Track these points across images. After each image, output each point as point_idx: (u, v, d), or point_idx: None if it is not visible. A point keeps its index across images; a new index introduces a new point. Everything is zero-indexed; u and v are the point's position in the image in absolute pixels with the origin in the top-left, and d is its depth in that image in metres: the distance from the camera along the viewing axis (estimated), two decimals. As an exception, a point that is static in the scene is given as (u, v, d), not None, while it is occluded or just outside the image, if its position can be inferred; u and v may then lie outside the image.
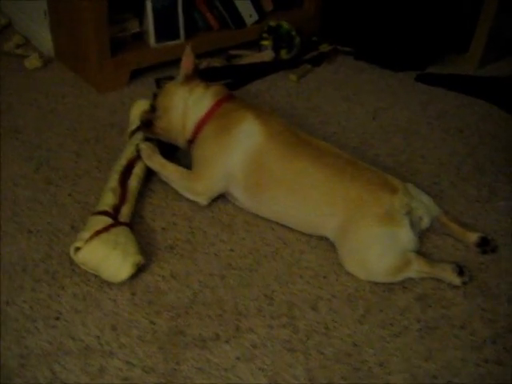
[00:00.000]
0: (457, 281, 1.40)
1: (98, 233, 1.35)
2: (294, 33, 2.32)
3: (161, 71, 2.22)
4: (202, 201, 1.59)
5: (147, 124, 1.64)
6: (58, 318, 1.28)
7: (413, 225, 1.40)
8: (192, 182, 1.59)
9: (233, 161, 1.52)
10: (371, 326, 1.32)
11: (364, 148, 1.92)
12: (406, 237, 1.37)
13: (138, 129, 1.72)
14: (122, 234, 1.39)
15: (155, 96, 1.68)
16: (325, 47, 2.38)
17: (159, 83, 2.14)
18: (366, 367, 1.23)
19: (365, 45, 2.45)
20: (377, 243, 1.37)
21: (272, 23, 2.35)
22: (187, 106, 1.59)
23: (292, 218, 1.51)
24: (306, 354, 1.24)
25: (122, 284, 1.35)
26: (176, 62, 2.20)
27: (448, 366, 1.24)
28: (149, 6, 2.06)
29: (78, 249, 1.35)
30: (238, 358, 1.22)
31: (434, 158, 1.90)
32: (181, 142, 1.64)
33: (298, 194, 1.46)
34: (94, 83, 2.11)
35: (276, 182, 1.48)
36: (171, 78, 2.16)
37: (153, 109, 1.66)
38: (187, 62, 1.61)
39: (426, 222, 1.46)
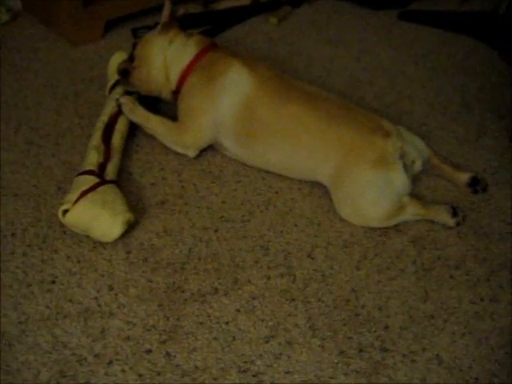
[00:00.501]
0: (451, 222, 1.41)
1: (84, 193, 1.32)
2: (272, -27, 2.24)
3: (137, 21, 2.13)
4: (191, 153, 1.56)
5: (124, 73, 1.58)
6: (53, 282, 1.26)
7: (406, 168, 1.39)
8: (179, 134, 1.55)
9: (222, 110, 1.48)
10: (368, 270, 1.33)
11: (350, 91, 1.89)
12: (400, 181, 1.37)
13: (117, 83, 1.66)
14: (109, 193, 1.36)
15: (134, 46, 1.62)
16: (305, -13, 2.31)
17: (136, 33, 2.06)
18: (365, 312, 1.24)
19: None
20: (371, 188, 1.37)
21: (249, -36, 2.26)
22: (168, 56, 1.53)
23: (285, 165, 1.49)
24: (305, 303, 1.25)
25: (116, 243, 1.34)
26: (152, 10, 2.14)
27: (444, 305, 1.27)
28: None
29: (65, 211, 1.32)
30: (237, 311, 1.23)
31: (421, 98, 1.88)
32: (165, 93, 1.59)
33: (290, 141, 1.44)
34: (67, 36, 2.02)
35: (267, 129, 1.45)
36: (149, 28, 2.08)
37: (131, 59, 1.60)
38: (166, 12, 1.54)
39: (418, 165, 1.45)
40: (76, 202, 1.31)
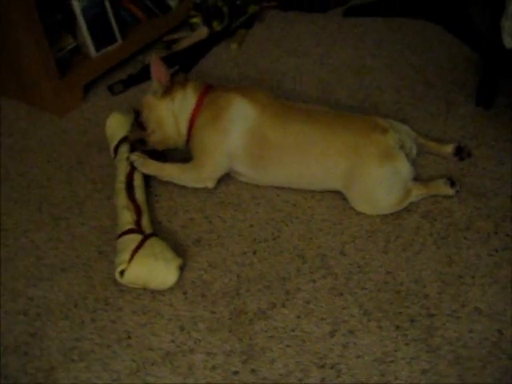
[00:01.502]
0: (451, 192, 1.61)
1: (135, 251, 1.45)
2: (220, 3, 2.38)
3: (109, 77, 2.25)
4: (210, 184, 1.70)
5: (142, 142, 1.71)
6: (129, 337, 1.39)
7: (407, 157, 1.57)
8: (197, 171, 1.69)
9: (232, 141, 1.63)
10: (395, 252, 1.51)
11: (324, 96, 2.06)
12: (404, 169, 1.55)
13: (120, 143, 1.78)
14: (155, 245, 1.49)
15: (138, 114, 1.74)
16: (253, 8, 2.46)
17: (112, 89, 2.18)
18: (404, 288, 1.43)
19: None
20: (382, 181, 1.54)
21: (197, 0, 2.40)
22: (175, 112, 1.67)
23: (299, 179, 1.65)
24: (352, 294, 1.43)
25: (171, 288, 1.47)
26: (120, 65, 2.26)
27: (467, 264, 1.46)
28: (80, 18, 2.06)
29: (122, 271, 1.45)
30: (298, 317, 1.39)
31: (388, 86, 2.07)
32: (180, 144, 1.73)
33: (300, 156, 1.60)
34: (50, 109, 2.11)
35: (278, 150, 1.60)
36: (122, 81, 2.21)
37: (140, 126, 1.72)
38: (159, 72, 1.66)
39: (414, 150, 1.63)
40: (129, 260, 1.44)
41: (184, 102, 1.67)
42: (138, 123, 1.72)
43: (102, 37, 2.16)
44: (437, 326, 1.34)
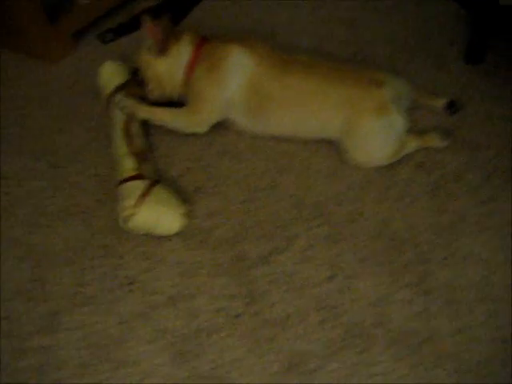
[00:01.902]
0: (443, 144, 1.66)
1: (142, 197, 1.47)
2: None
3: (100, 27, 2.21)
4: (201, 130, 1.71)
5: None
6: (131, 283, 1.43)
7: (402, 109, 1.60)
8: (190, 116, 1.70)
9: (230, 90, 1.63)
10: (389, 202, 1.56)
11: (317, 48, 2.06)
12: (399, 122, 1.58)
13: (116, 91, 1.76)
14: (161, 191, 1.51)
15: (135, 72, 1.74)
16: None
17: (104, 38, 2.15)
18: (398, 236, 1.48)
19: None
20: (378, 134, 1.58)
21: None
22: (172, 68, 1.66)
23: (296, 128, 1.68)
24: (347, 242, 1.48)
25: (172, 235, 1.50)
26: (109, 13, 2.21)
27: (458, 213, 1.52)
28: (70, -38, 2.01)
29: (127, 219, 1.46)
30: (296, 263, 1.44)
31: (380, 39, 2.08)
32: (175, 96, 1.73)
33: (298, 107, 1.62)
34: (41, 56, 2.08)
35: (276, 101, 1.62)
36: (112, 30, 2.18)
37: (137, 82, 1.72)
38: (151, 30, 1.62)
39: (408, 103, 1.67)
40: (137, 206, 1.45)
41: (180, 55, 1.66)
42: (136, 80, 1.72)
43: (91, -17, 2.12)
44: (429, 272, 1.40)
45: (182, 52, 1.66)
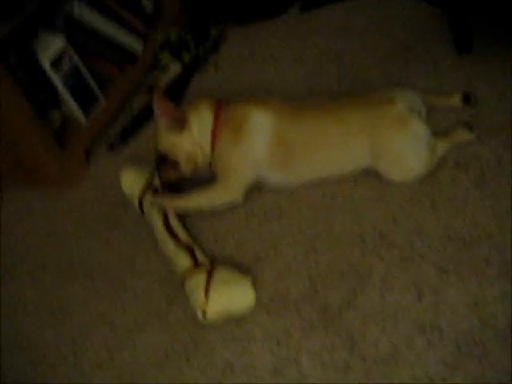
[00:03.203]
0: (471, 136, 1.69)
1: (207, 287, 1.47)
2: (183, 34, 2.44)
3: (104, 137, 2.28)
4: (240, 199, 1.74)
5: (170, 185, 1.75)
6: (231, 368, 1.41)
7: (421, 117, 1.64)
8: (225, 189, 1.73)
9: (257, 152, 1.67)
10: (444, 207, 1.57)
11: (315, 89, 2.12)
12: (422, 130, 1.61)
13: (142, 197, 1.80)
14: (222, 273, 1.52)
15: (159, 158, 1.75)
16: (215, 30, 2.52)
17: (113, 148, 2.21)
18: (466, 235, 1.48)
19: (240, 10, 2.62)
20: (408, 147, 1.61)
21: (160, 38, 2.45)
22: (198, 140, 1.70)
23: (329, 168, 1.71)
24: (421, 257, 1.48)
25: (251, 310, 1.49)
26: (107, 124, 2.28)
27: (503, 195, 1.54)
28: (64, 90, 2.09)
29: (204, 313, 1.46)
30: (382, 294, 1.43)
31: (370, 62, 2.15)
32: (208, 166, 1.76)
33: (324, 147, 1.66)
34: (59, 184, 2.12)
35: (301, 148, 1.66)
36: (118, 137, 2.24)
37: (165, 166, 1.74)
38: (166, 109, 1.64)
39: (423, 111, 1.70)
40: (206, 298, 1.45)
41: (202, 125, 1.69)
42: (162, 165, 1.74)
43: (87, 101, 2.19)
44: (511, 259, 1.40)
45: (204, 121, 1.70)
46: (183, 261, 1.58)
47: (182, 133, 1.69)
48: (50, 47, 2.05)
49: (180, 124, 1.68)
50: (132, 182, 1.87)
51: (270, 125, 1.66)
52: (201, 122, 1.70)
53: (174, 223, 1.72)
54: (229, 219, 1.77)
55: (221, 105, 1.73)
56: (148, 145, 1.82)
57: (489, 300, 1.34)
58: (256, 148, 1.67)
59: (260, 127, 1.67)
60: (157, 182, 1.81)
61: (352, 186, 1.72)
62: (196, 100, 1.76)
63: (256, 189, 1.78)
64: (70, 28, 2.16)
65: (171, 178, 1.75)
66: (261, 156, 1.68)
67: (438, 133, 1.72)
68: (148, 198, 1.78)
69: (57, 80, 2.05)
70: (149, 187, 1.81)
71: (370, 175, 1.71)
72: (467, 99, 1.79)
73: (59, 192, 2.13)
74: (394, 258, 1.50)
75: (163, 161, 1.73)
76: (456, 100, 1.80)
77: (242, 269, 1.59)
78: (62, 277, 1.80)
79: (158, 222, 1.72)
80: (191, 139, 1.70)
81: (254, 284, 1.52)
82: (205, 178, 1.78)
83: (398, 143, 1.61)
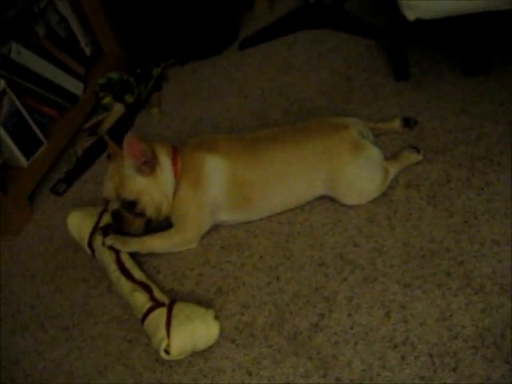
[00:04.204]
0: (419, 158, 1.75)
1: (168, 324, 1.41)
2: (125, 76, 2.42)
3: (48, 180, 2.21)
4: (194, 245, 1.73)
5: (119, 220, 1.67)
6: None
7: (371, 141, 1.69)
8: (181, 235, 1.70)
9: (213, 196, 1.66)
10: (400, 226, 1.60)
11: (262, 122, 2.15)
12: (375, 154, 1.66)
13: (92, 234, 1.74)
14: (182, 308, 1.46)
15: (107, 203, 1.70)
16: (156, 71, 2.52)
17: (56, 190, 2.13)
18: (425, 251, 1.51)
19: (180, 49, 2.63)
20: (361, 172, 1.64)
21: (101, 81, 2.42)
22: (165, 182, 1.66)
23: (287, 200, 1.71)
24: (384, 275, 1.49)
25: (218, 342, 1.45)
26: (51, 166, 2.21)
27: (465, 209, 1.59)
28: (3, 133, 2.01)
29: (167, 351, 1.40)
30: (349, 315, 1.43)
31: (314, 93, 2.21)
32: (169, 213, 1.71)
33: (280, 181, 1.66)
34: (3, 231, 2.03)
35: (259, 186, 1.66)
36: (63, 180, 2.17)
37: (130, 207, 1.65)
38: (136, 149, 1.59)
39: (372, 136, 1.75)
40: (168, 335, 1.39)
41: (166, 170, 1.65)
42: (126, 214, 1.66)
43: (28, 144, 2.12)
44: (471, 269, 1.44)
45: (166, 166, 1.66)
46: (140, 299, 1.52)
47: (151, 176, 1.63)
48: (-13, 90, 1.98)
49: (150, 166, 1.62)
50: (79, 224, 1.80)
51: (226, 166, 1.65)
52: (165, 167, 1.66)
53: (128, 262, 1.65)
54: (186, 255, 1.73)
55: (176, 150, 1.71)
56: (102, 189, 1.75)
57: (455, 311, 1.36)
58: (214, 192, 1.66)
59: (216, 171, 1.65)
60: (106, 221, 1.75)
61: (308, 213, 1.73)
62: (152, 143, 1.69)
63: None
64: (8, 70, 2.10)
65: (137, 230, 1.68)
66: (219, 200, 1.67)
67: (387, 156, 1.77)
68: (98, 239, 1.71)
69: (-4, 123, 1.98)
70: (97, 228, 1.75)
71: (325, 200, 1.73)
72: (407, 123, 1.86)
73: (3, 239, 2.03)
74: (357, 279, 1.51)
75: (130, 209, 1.64)
76: (396, 124, 1.87)
77: (204, 303, 1.56)
78: (10, 329, 1.69)
79: (110, 263, 1.65)
80: (158, 185, 1.65)
81: (218, 316, 1.51)
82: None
83: (354, 167, 1.64)
